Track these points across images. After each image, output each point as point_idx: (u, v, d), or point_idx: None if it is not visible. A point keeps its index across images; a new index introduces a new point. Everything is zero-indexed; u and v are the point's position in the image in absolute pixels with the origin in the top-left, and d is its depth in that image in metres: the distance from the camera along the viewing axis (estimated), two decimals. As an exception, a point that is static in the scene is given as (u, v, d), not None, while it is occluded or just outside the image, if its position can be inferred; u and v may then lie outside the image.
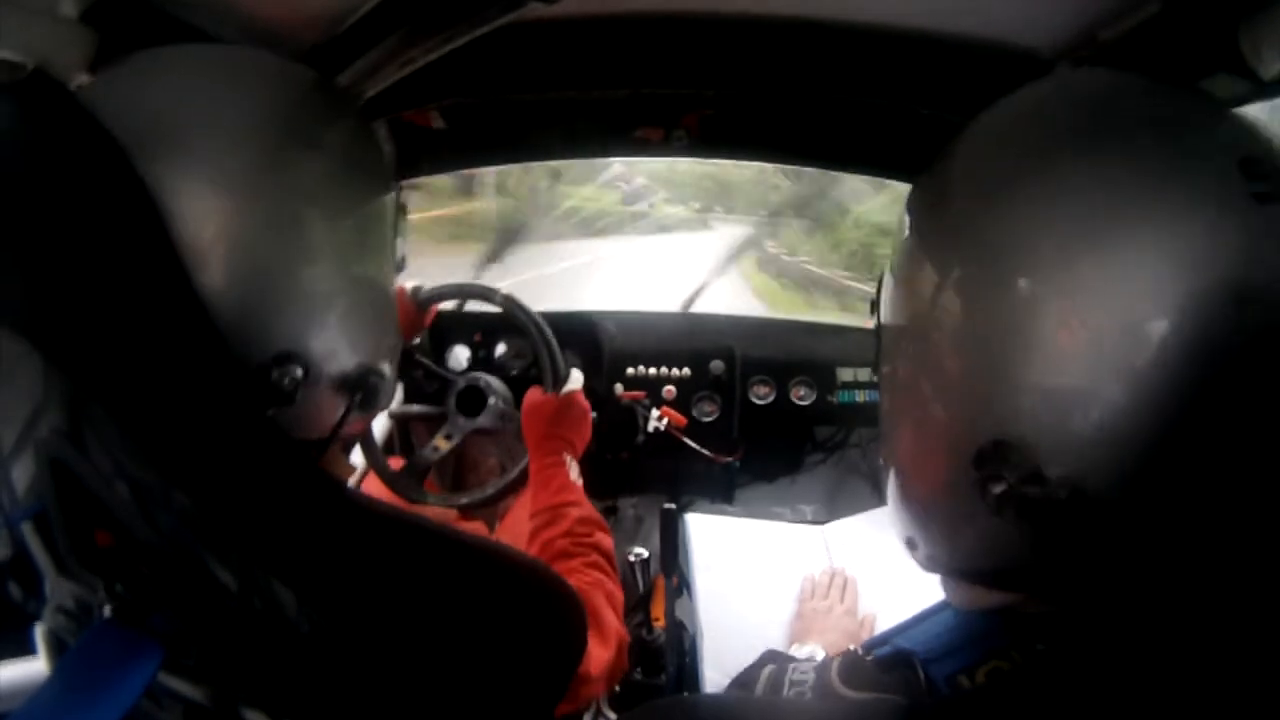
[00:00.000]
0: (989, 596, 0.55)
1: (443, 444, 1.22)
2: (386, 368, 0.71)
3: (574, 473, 1.05)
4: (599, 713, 1.25)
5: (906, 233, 0.57)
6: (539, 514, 0.98)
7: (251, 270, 0.57)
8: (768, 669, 0.71)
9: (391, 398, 0.75)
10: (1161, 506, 0.44)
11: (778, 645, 0.95)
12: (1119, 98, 0.50)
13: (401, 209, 0.73)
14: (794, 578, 1.10)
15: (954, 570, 0.58)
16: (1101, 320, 0.43)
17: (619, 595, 0.90)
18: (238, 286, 0.56)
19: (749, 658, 0.82)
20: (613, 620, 0.83)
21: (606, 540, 0.95)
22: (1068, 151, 0.46)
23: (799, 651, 0.92)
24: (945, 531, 0.54)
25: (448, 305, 1.40)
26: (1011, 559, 0.50)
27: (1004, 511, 0.45)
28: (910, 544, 0.59)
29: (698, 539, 1.17)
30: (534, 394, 1.15)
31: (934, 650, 0.55)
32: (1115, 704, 0.43)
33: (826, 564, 1.14)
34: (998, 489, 0.45)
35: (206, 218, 0.54)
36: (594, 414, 1.39)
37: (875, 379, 1.54)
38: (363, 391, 0.67)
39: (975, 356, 0.48)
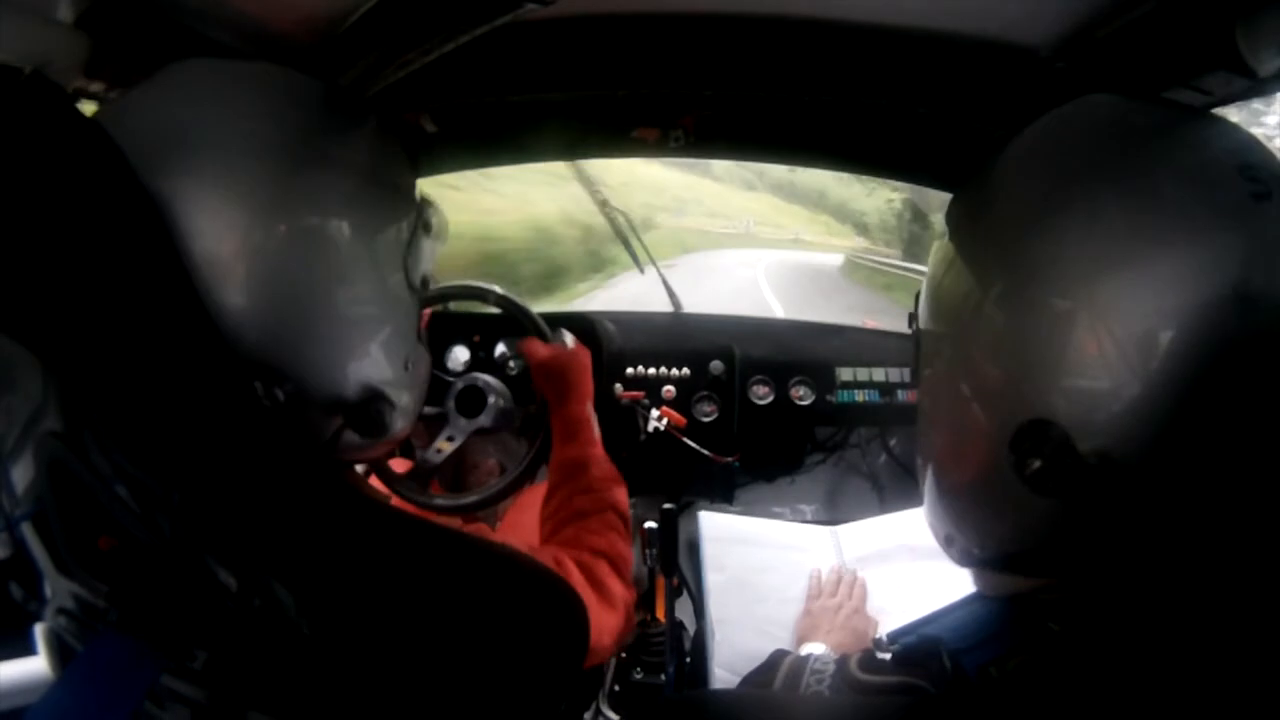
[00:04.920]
0: (1016, 582, 0.58)
1: (445, 446, 1.21)
2: (399, 395, 0.68)
3: (596, 424, 1.07)
4: (599, 713, 1.25)
5: (947, 244, 0.60)
6: (563, 465, 0.99)
7: (248, 287, 0.56)
8: (787, 662, 0.71)
9: (409, 423, 0.72)
10: (1177, 480, 0.48)
11: (787, 645, 0.94)
12: (1137, 127, 0.55)
13: (425, 226, 0.70)
14: (804, 578, 1.10)
15: (989, 560, 0.60)
16: (1123, 329, 0.47)
17: (629, 554, 0.91)
18: (236, 301, 0.56)
19: (759, 656, 0.82)
20: (618, 587, 0.84)
21: (623, 496, 0.98)
22: (1094, 181, 0.51)
23: (806, 650, 0.92)
24: (982, 520, 0.58)
25: (449, 305, 1.40)
26: (1044, 538, 0.53)
27: (1040, 486, 0.50)
28: (948, 540, 0.62)
29: (709, 537, 1.17)
30: (538, 346, 1.13)
31: (965, 640, 0.56)
32: (1130, 691, 0.46)
33: (837, 564, 1.14)
34: (1035, 464, 0.50)
35: (215, 232, 0.55)
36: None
37: (875, 379, 1.55)
38: (363, 418, 0.65)
39: (1012, 359, 0.52)
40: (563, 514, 0.93)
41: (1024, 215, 0.53)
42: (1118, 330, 0.48)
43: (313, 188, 0.60)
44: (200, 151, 0.56)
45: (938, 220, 0.68)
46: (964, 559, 0.61)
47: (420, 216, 0.70)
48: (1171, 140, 0.53)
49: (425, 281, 0.71)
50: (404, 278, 0.68)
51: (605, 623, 0.77)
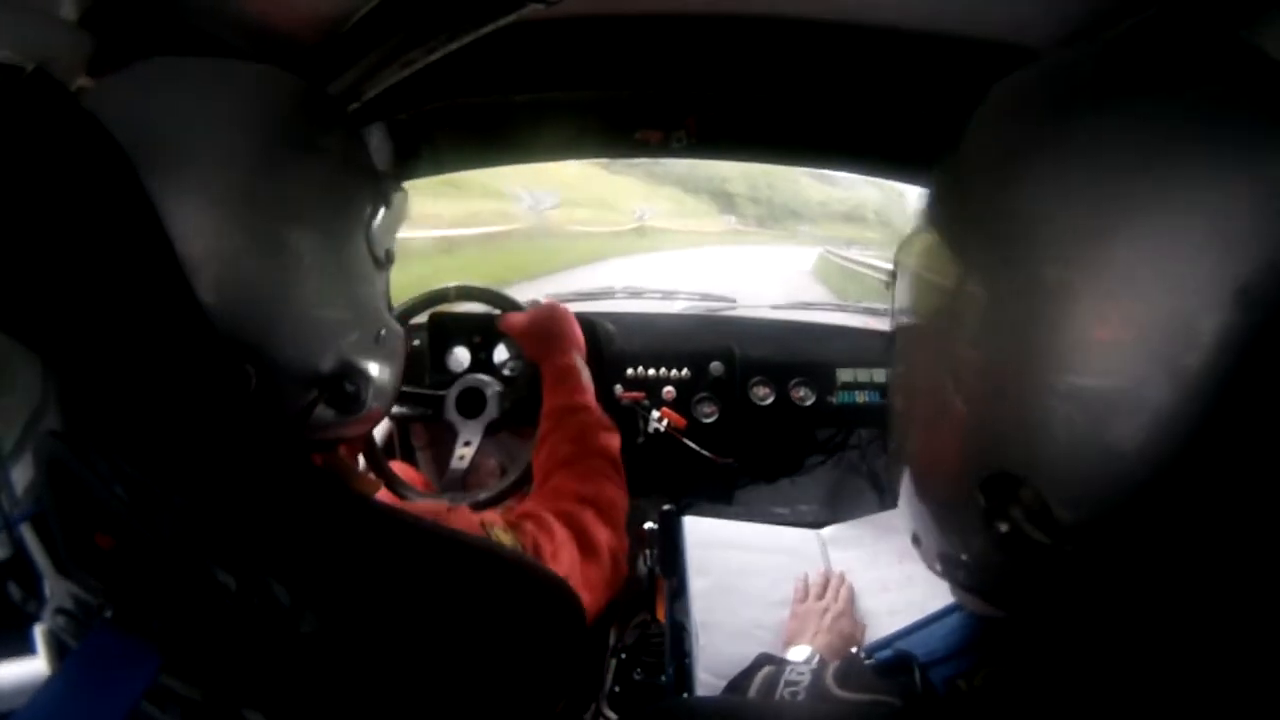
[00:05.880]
0: (985, 604, 0.54)
1: (466, 451, 1.24)
2: (373, 369, 0.70)
3: (585, 373, 1.08)
4: (599, 713, 1.25)
5: (918, 228, 0.53)
6: (551, 414, 1.00)
7: (222, 276, 0.57)
8: (763, 671, 0.71)
9: (386, 402, 0.74)
10: (1179, 550, 0.37)
11: (773, 649, 0.94)
12: (1151, 46, 0.42)
13: (386, 202, 0.73)
14: (790, 581, 1.10)
15: (948, 577, 0.56)
16: (1136, 312, 0.35)
17: (619, 499, 0.92)
18: (208, 291, 0.57)
19: (744, 661, 0.82)
20: (603, 535, 0.84)
21: (612, 441, 0.98)
22: (1093, 106, 0.39)
23: (793, 654, 0.92)
24: (946, 539, 0.52)
25: (449, 307, 1.40)
26: (1003, 583, 0.48)
27: (1005, 548, 0.42)
28: (915, 540, 0.56)
29: (693, 542, 1.17)
30: (515, 316, 1.17)
31: (936, 653, 0.54)
32: (1096, 707, 0.44)
33: (823, 567, 1.14)
34: (1003, 526, 0.41)
35: (190, 226, 0.56)
36: None
37: (876, 380, 1.55)
38: (337, 392, 0.66)
39: (986, 360, 0.42)
40: (550, 463, 0.94)
41: (999, 163, 0.42)
42: (1126, 309, 0.35)
43: (277, 174, 0.61)
44: (165, 144, 0.57)
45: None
46: (929, 563, 0.55)
47: (381, 193, 0.72)
48: (1201, 59, 0.40)
49: (389, 254, 0.74)
50: (368, 253, 0.70)
51: (589, 575, 0.78)
